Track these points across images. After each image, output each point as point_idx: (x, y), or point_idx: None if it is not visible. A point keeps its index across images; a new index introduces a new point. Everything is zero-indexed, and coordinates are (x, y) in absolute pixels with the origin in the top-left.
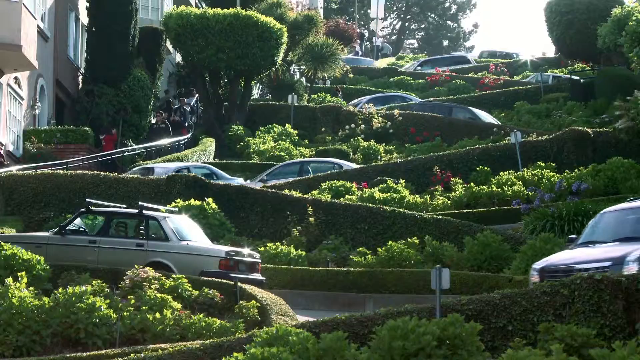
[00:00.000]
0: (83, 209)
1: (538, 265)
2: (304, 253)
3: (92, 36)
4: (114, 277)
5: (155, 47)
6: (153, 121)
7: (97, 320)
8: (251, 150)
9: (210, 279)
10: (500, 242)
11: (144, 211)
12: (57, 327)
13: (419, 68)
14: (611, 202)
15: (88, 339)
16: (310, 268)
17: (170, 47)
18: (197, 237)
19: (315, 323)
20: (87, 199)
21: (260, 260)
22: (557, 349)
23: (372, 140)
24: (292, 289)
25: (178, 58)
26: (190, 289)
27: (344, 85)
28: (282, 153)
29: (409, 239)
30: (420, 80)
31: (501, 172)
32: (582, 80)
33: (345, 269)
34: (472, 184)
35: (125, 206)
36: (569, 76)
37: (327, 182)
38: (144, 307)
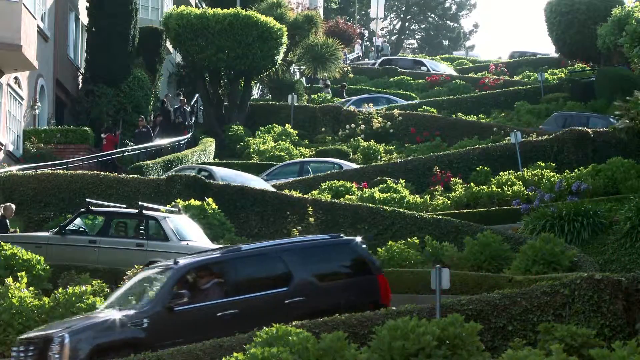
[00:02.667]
0: (83, 209)
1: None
2: None
3: (92, 36)
4: (114, 277)
5: (155, 47)
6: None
7: None
8: (251, 150)
9: None
10: (500, 242)
11: (144, 211)
12: None
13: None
14: (611, 202)
15: None
16: None
17: (170, 47)
18: (197, 237)
19: (315, 323)
20: (87, 199)
21: None
22: (557, 349)
23: (372, 140)
24: None
25: (178, 58)
26: None
27: (345, 84)
28: (282, 153)
29: (409, 239)
30: (420, 80)
31: (501, 172)
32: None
33: None
34: (472, 184)
35: (125, 206)
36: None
37: (327, 182)
38: None
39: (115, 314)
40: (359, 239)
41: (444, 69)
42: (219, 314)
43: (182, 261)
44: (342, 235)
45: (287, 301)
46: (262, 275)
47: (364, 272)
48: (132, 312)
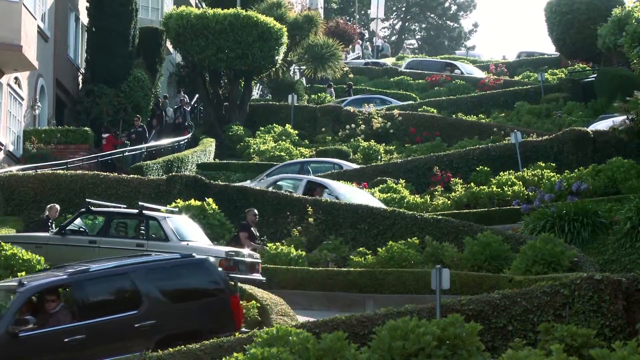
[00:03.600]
0: (83, 209)
1: None
2: (304, 253)
3: (92, 36)
4: None
5: (155, 47)
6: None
7: None
8: (251, 150)
9: None
10: (500, 242)
11: (144, 211)
12: None
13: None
14: (611, 202)
15: None
16: (310, 268)
17: (170, 47)
18: (197, 237)
19: (316, 323)
20: (87, 199)
21: (260, 261)
22: (557, 349)
23: (372, 141)
24: (292, 289)
25: (178, 58)
26: None
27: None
28: (282, 153)
29: (409, 239)
30: (420, 81)
31: (501, 172)
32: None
33: (345, 269)
34: (472, 184)
35: (125, 206)
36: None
37: None
38: None
39: None
40: (212, 258)
41: (473, 70)
42: (66, 340)
43: (27, 283)
44: (194, 254)
45: (137, 325)
46: (111, 298)
47: (217, 294)
48: None
